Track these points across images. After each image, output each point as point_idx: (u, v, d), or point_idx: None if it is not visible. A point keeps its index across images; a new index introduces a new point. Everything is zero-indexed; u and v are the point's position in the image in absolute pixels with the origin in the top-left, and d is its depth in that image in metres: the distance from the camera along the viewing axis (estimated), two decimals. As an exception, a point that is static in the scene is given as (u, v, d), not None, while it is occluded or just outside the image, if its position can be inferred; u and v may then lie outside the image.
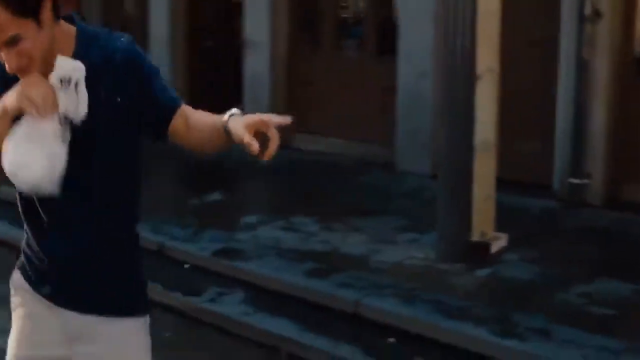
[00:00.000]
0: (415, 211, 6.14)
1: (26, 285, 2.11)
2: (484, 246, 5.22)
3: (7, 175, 1.92)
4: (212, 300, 4.85)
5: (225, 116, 1.95)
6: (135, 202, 2.15)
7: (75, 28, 1.99)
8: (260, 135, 1.87)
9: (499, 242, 5.36)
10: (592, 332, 4.04)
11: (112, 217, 2.07)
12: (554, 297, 4.55)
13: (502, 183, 5.53)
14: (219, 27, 9.97)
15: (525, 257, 5.18)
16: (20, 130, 1.90)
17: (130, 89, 2.01)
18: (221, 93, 9.48)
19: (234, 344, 4.44)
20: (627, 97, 6.42)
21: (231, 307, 4.73)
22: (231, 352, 4.39)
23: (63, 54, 1.93)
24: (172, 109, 2.05)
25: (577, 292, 4.58)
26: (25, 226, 2.10)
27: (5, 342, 2.15)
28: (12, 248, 6.00)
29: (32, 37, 1.82)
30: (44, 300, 2.07)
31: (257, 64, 8.82)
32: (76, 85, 1.92)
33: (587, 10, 6.21)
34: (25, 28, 1.81)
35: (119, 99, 2.00)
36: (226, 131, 1.93)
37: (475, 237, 5.23)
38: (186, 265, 5.42)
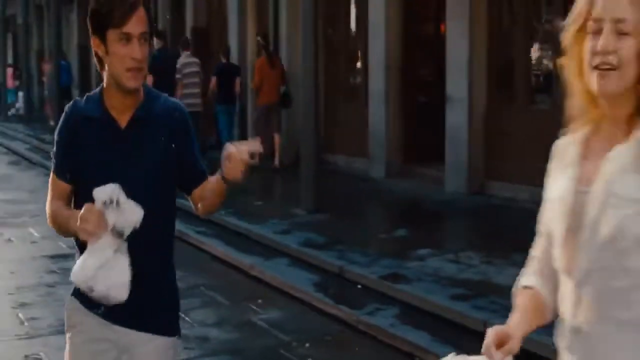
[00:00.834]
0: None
1: (82, 308, 2.47)
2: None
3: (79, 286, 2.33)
4: (369, 313, 5.63)
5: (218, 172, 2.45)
6: (172, 235, 2.55)
7: (142, 87, 2.48)
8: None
9: None
10: None
11: (154, 247, 2.45)
12: None
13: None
14: (431, 83, 10.83)
15: None
16: (87, 250, 2.30)
17: (180, 141, 2.48)
18: (428, 143, 10.33)
19: (378, 349, 5.19)
20: None
21: (383, 320, 5.48)
22: (375, 354, 5.14)
23: (135, 103, 2.43)
24: (202, 178, 2.53)
25: None
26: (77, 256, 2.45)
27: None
28: (228, 265, 7.22)
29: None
30: (97, 318, 2.45)
31: (457, 118, 9.54)
32: (117, 202, 2.25)
33: None
34: None
35: (174, 146, 2.46)
36: (223, 178, 2.42)
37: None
38: (359, 286, 6.26)
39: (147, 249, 2.37)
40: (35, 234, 8.55)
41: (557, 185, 1.84)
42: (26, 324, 5.56)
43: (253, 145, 2.37)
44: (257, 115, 12.12)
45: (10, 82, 23.26)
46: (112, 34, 2.36)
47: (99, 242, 2.25)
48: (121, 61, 2.37)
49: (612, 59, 1.70)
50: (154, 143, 2.45)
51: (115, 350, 2.46)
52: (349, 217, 8.41)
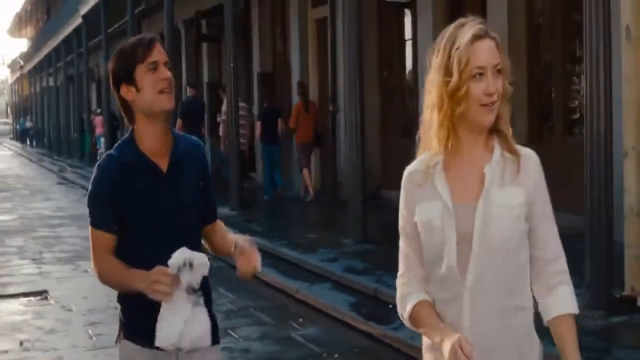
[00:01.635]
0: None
1: (137, 347, 2.60)
2: (631, 299, 6.06)
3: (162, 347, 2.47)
4: (395, 328, 6.30)
5: (236, 237, 2.70)
6: None
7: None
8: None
9: (651, 298, 6.14)
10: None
11: None
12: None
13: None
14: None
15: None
16: (163, 311, 2.43)
17: (205, 178, 2.67)
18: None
19: (400, 359, 5.87)
20: None
21: (406, 333, 6.14)
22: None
23: (170, 145, 2.59)
24: (215, 216, 2.74)
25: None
26: (122, 299, 2.64)
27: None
28: (277, 290, 8.00)
29: None
30: (156, 350, 2.53)
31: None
32: (191, 264, 2.37)
33: None
34: None
35: (201, 183, 2.65)
36: (234, 245, 2.67)
37: (626, 291, 6.11)
38: (390, 306, 6.92)
39: None
40: (109, 266, 9.52)
41: (431, 207, 2.16)
42: (94, 338, 6.46)
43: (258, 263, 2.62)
44: (299, 153, 13.45)
45: (99, 129, 24.64)
46: (140, 70, 2.52)
47: (174, 301, 2.37)
48: (153, 87, 2.50)
49: (495, 97, 2.15)
50: (190, 183, 2.60)
51: None
52: (393, 246, 9.06)
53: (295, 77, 15.03)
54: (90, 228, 2.62)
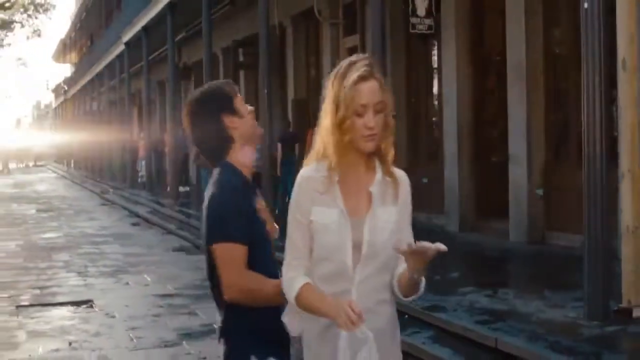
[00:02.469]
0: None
1: None
2: (627, 311, 6.55)
3: None
4: (408, 335, 6.84)
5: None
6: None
7: None
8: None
9: (647, 310, 6.62)
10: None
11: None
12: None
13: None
14: (498, 144, 12.01)
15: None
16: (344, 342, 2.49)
17: None
18: (496, 199, 11.45)
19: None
20: None
21: (418, 339, 6.71)
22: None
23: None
24: None
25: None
26: (252, 315, 2.79)
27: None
28: None
29: None
30: None
31: (518, 175, 10.70)
32: None
33: None
34: None
35: None
36: None
37: (623, 304, 6.60)
38: (406, 316, 7.48)
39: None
40: (148, 279, 10.24)
41: (326, 213, 2.57)
42: (135, 340, 7.12)
43: None
44: None
45: (142, 153, 25.50)
46: (238, 101, 2.90)
47: (358, 332, 2.43)
48: (251, 115, 2.93)
49: (375, 130, 2.53)
50: None
51: None
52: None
53: (327, 103, 15.68)
54: (223, 244, 2.71)
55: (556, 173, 10.46)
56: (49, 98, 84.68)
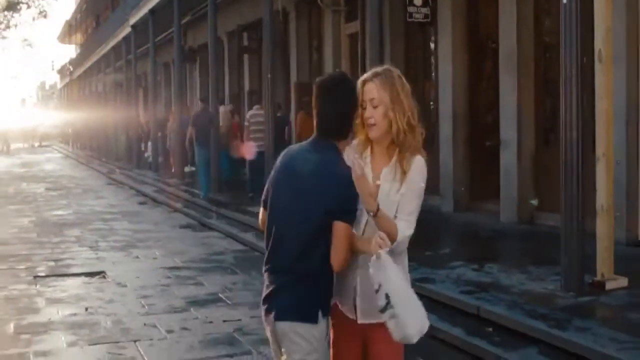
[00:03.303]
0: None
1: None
2: (601, 284, 7.13)
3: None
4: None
5: None
6: None
7: None
8: None
9: (617, 283, 7.19)
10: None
11: None
12: (620, 313, 6.40)
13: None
14: (491, 129, 12.53)
15: (632, 292, 6.98)
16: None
17: None
18: (489, 181, 11.99)
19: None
20: None
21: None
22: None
23: None
24: None
25: (642, 312, 6.37)
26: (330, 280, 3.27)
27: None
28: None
29: None
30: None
31: (509, 159, 11.24)
32: None
33: None
34: None
35: None
36: None
37: (597, 277, 7.18)
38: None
39: None
40: (157, 253, 10.83)
41: None
42: (146, 307, 7.72)
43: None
44: None
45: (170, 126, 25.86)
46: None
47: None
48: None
49: (372, 120, 3.26)
50: None
51: None
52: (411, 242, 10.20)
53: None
54: (348, 226, 3.16)
55: (545, 157, 11.01)
56: (54, 79, 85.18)
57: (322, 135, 3.30)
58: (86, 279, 9.12)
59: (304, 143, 3.40)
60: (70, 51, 63.95)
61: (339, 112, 3.27)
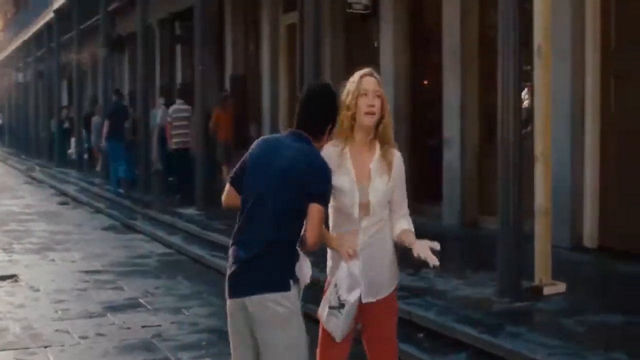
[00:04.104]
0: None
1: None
2: (538, 289, 7.39)
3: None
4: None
5: None
6: None
7: None
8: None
9: (556, 288, 7.47)
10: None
11: None
12: (554, 319, 6.67)
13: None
14: (434, 127, 12.79)
15: (569, 298, 7.26)
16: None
17: None
18: (432, 181, 12.23)
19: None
20: None
21: (337, 313, 7.46)
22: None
23: None
24: None
25: (581, 320, 6.64)
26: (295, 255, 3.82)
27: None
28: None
29: None
30: None
31: (452, 158, 11.51)
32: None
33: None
34: None
35: None
36: None
37: (535, 282, 7.44)
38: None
39: None
40: (76, 256, 10.85)
41: (341, 180, 3.90)
42: (59, 312, 7.76)
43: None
44: (220, 150, 15.73)
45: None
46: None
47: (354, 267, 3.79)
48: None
49: (374, 108, 3.89)
50: None
51: None
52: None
53: (266, 82, 16.39)
54: (322, 208, 3.73)
55: (489, 157, 11.28)
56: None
57: (300, 130, 3.87)
58: (-4, 283, 9.13)
59: (280, 134, 4.03)
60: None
61: (320, 117, 3.87)
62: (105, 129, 17.30)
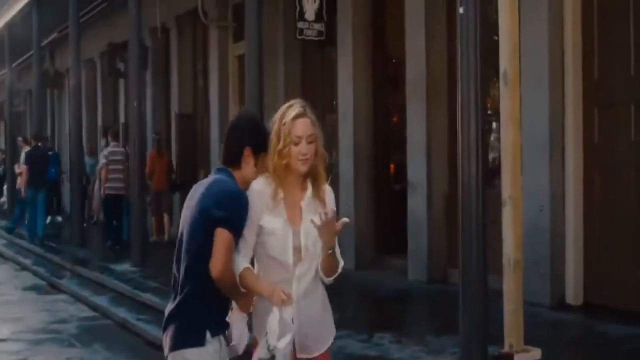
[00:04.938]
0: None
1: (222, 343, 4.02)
2: (508, 357, 6.80)
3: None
4: None
5: None
6: None
7: None
8: None
9: (529, 355, 6.88)
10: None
11: None
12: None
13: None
14: (399, 170, 12.29)
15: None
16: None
17: None
18: (397, 231, 11.69)
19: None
20: None
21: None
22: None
23: None
24: None
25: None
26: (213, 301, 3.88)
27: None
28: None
29: None
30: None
31: (417, 204, 10.96)
32: None
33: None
34: None
35: None
36: None
37: (505, 348, 6.85)
38: None
39: None
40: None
41: (274, 222, 3.92)
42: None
43: None
44: (150, 199, 15.47)
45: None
46: (262, 155, 4.07)
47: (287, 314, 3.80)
48: (255, 175, 4.06)
49: (307, 156, 3.90)
50: None
51: None
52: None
53: (214, 117, 15.87)
54: (229, 233, 3.74)
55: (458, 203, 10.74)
56: None
57: (223, 164, 4.02)
58: None
59: None
60: None
61: (234, 144, 4.00)
62: (23, 177, 17.34)
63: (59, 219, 20.59)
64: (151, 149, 16.00)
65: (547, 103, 8.95)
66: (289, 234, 3.92)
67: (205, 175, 14.70)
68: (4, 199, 25.11)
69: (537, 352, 6.91)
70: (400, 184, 12.03)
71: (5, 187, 24.94)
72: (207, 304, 3.80)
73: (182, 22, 17.70)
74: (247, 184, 3.98)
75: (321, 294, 4.08)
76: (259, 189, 3.96)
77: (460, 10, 6.72)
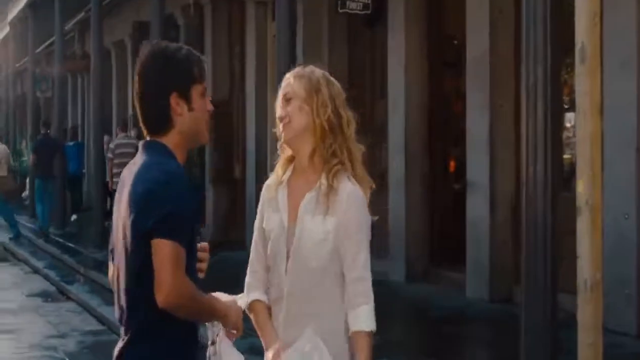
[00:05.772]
0: None
1: None
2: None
3: None
4: None
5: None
6: None
7: None
8: None
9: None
10: None
11: None
12: None
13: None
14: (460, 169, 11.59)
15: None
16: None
17: None
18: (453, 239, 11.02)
19: None
20: None
21: None
22: None
23: None
24: None
25: None
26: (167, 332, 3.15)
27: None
28: None
29: None
30: None
31: (478, 208, 10.34)
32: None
33: None
34: None
35: None
36: None
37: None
38: None
39: None
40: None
41: (273, 218, 3.41)
42: None
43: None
44: None
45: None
46: (196, 89, 3.11)
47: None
48: (204, 115, 3.12)
49: (286, 119, 3.38)
50: None
51: None
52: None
53: (250, 105, 15.45)
54: (170, 242, 2.94)
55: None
56: None
57: (146, 133, 3.18)
58: None
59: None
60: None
61: (158, 104, 3.09)
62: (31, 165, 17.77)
63: (74, 217, 20.90)
64: None
65: (634, 89, 8.42)
66: (284, 234, 3.39)
67: (242, 173, 14.19)
68: (27, 192, 25.06)
69: (618, 395, 6.14)
70: (460, 184, 11.48)
71: (28, 180, 24.93)
72: (162, 339, 3.06)
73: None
74: (197, 135, 3.16)
75: (324, 325, 3.37)
76: (268, 182, 3.52)
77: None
